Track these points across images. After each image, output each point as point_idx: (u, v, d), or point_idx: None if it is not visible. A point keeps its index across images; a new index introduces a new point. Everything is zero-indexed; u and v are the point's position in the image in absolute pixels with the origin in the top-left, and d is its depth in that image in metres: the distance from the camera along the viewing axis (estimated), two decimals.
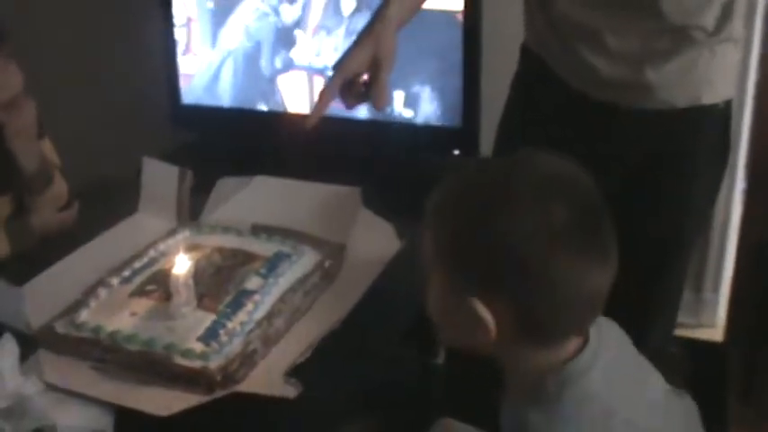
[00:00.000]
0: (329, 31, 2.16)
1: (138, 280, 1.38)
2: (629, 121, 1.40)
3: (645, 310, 1.58)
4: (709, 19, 1.33)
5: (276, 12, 2.24)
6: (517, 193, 0.94)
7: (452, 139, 2.13)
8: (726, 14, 1.34)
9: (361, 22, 2.09)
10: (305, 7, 2.18)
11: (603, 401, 0.96)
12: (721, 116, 1.45)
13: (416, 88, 2.10)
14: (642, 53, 1.35)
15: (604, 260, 0.95)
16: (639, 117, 1.39)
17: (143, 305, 1.32)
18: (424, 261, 0.99)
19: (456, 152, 2.13)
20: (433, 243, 0.98)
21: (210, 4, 2.33)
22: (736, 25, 1.37)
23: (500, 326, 0.94)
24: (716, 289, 2.56)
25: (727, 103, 1.45)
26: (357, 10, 2.11)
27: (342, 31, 2.14)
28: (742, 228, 2.40)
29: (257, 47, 2.28)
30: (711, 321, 2.57)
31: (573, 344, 0.98)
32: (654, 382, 1.07)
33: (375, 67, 1.31)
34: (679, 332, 2.46)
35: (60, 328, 1.29)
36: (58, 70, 2.62)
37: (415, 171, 1.88)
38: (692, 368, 2.36)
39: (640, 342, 1.60)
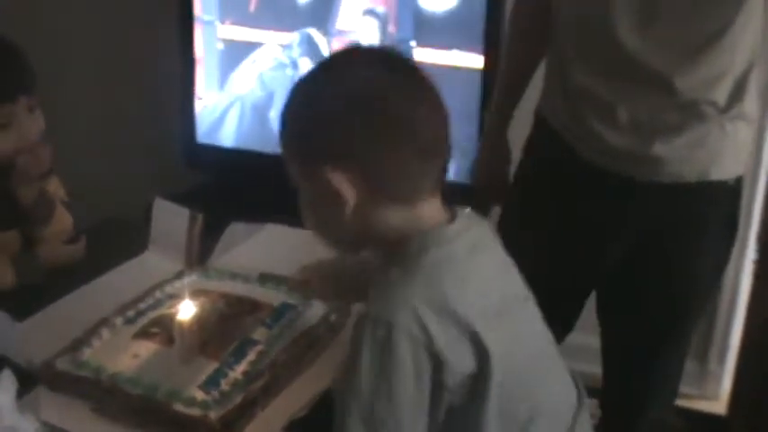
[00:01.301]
0: None
1: (142, 321, 1.37)
2: (636, 192, 1.40)
3: (648, 378, 1.57)
4: (721, 95, 1.34)
5: (294, 65, 2.25)
6: (339, 66, 1.07)
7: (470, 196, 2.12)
8: (738, 92, 1.35)
9: None
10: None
11: (460, 269, 1.03)
12: (731, 192, 1.44)
13: None
14: (652, 126, 1.36)
15: (433, 107, 1.05)
16: (647, 189, 1.39)
17: (146, 348, 1.31)
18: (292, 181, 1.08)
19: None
20: (285, 147, 1.07)
21: (220, 46, 2.34)
22: (748, 103, 1.38)
23: (355, 190, 1.01)
24: (721, 361, 2.54)
25: (738, 180, 1.45)
26: None
27: None
28: (751, 300, 2.38)
29: (269, 96, 2.29)
30: (715, 394, 2.54)
31: (433, 209, 1.06)
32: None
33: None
34: (682, 403, 2.45)
35: (61, 365, 1.28)
36: (74, 105, 2.64)
37: None
38: None
39: (642, 411, 1.60)
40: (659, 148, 1.36)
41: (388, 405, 0.98)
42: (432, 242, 1.03)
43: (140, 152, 2.68)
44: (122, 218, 1.90)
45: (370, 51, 1.16)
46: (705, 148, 1.38)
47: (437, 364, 0.99)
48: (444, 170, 1.07)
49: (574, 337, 2.06)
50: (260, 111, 2.34)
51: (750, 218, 2.37)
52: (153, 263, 1.59)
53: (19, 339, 1.30)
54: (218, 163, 2.45)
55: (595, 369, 1.66)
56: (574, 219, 1.49)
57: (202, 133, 2.43)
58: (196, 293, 1.41)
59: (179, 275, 1.52)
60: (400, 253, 1.04)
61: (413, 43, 2.07)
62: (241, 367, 1.26)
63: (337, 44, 2.17)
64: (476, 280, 1.05)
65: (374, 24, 2.11)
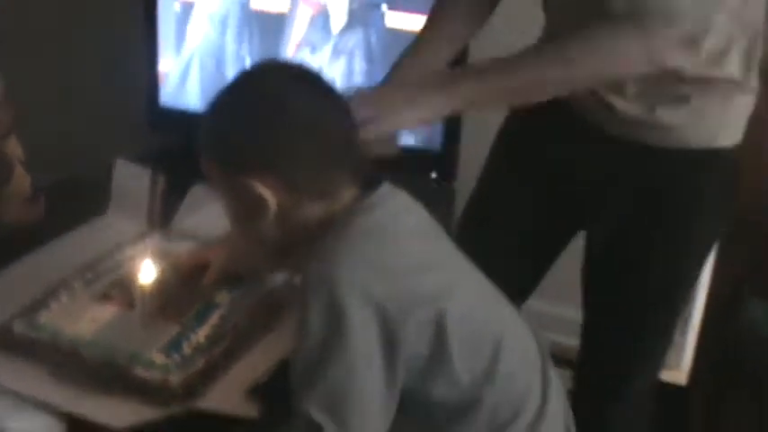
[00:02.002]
0: (314, 49, 2.10)
1: (101, 284, 1.35)
2: (640, 155, 1.39)
3: (630, 354, 1.55)
4: (729, 70, 1.33)
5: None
6: (251, 80, 1.12)
7: (431, 163, 2.11)
8: (745, 66, 1.34)
9: (352, 40, 2.07)
10: (288, 20, 2.15)
11: (390, 229, 1.08)
12: (731, 160, 1.44)
13: None
14: (659, 97, 1.34)
15: (338, 108, 1.10)
16: (651, 153, 1.38)
17: (106, 311, 1.28)
18: (215, 194, 1.13)
19: (434, 175, 2.11)
20: (204, 159, 1.11)
21: (177, 7, 2.29)
22: (753, 75, 1.37)
23: (276, 194, 1.05)
24: (683, 332, 2.56)
25: (737, 148, 1.44)
26: (347, 27, 2.06)
27: (329, 49, 2.08)
28: (713, 271, 2.40)
29: (223, 44, 2.24)
30: (677, 364, 2.56)
31: (353, 193, 1.10)
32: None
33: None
34: None
35: (18, 327, 1.25)
36: (36, 67, 2.58)
37: None
38: (655, 409, 2.36)
39: (623, 384, 1.58)
40: (666, 117, 1.35)
41: (340, 356, 0.98)
42: (356, 213, 1.07)
43: (104, 114, 2.63)
44: (83, 178, 1.86)
45: (280, 66, 1.21)
46: (712, 117, 1.37)
47: (383, 314, 1.00)
48: (359, 161, 1.11)
49: (550, 308, 2.08)
50: (218, 61, 2.29)
51: None
52: (114, 224, 1.56)
53: None
54: (183, 126, 2.40)
55: (571, 341, 1.64)
56: (571, 177, 1.47)
57: (166, 95, 2.38)
58: (157, 255, 1.38)
59: (140, 237, 1.49)
60: (325, 233, 1.06)
61: (384, 7, 2.03)
62: (203, 331, 1.24)
63: (304, 7, 2.11)
64: (405, 237, 1.09)
65: None
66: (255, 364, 1.21)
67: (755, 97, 1.41)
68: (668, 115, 1.35)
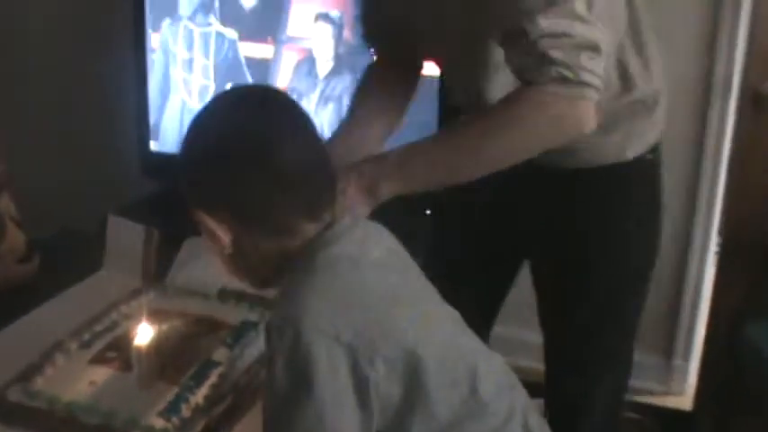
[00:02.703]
0: (301, 96, 2.07)
1: (98, 345, 1.33)
2: (555, 180, 1.39)
3: (587, 364, 1.56)
4: (611, 88, 1.32)
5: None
6: (210, 113, 1.07)
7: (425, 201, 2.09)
8: (622, 77, 1.35)
9: (340, 85, 2.05)
10: (272, 67, 2.12)
11: (355, 261, 1.03)
12: (646, 164, 1.45)
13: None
14: None
15: (300, 140, 1.06)
16: (565, 176, 1.38)
17: (102, 374, 1.27)
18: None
19: (428, 212, 2.09)
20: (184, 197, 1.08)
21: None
22: (641, 78, 1.38)
23: (230, 228, 1.04)
24: (686, 356, 2.54)
25: (655, 151, 1.45)
26: (335, 72, 2.04)
27: (316, 95, 2.06)
28: (714, 294, 2.38)
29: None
30: (681, 389, 2.54)
31: (312, 228, 1.06)
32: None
33: None
34: (647, 399, 2.45)
35: (13, 395, 1.23)
36: (26, 120, 2.57)
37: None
38: None
39: (587, 399, 1.59)
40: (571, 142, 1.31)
41: (307, 405, 0.95)
42: (319, 246, 1.04)
43: (95, 162, 2.63)
44: (78, 230, 1.84)
45: (246, 92, 1.18)
46: (617, 133, 1.37)
47: (353, 355, 0.96)
48: (322, 202, 1.07)
49: (514, 333, 2.07)
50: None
51: (712, 210, 2.38)
52: (108, 281, 1.54)
53: None
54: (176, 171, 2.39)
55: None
56: (494, 214, 1.50)
57: (158, 141, 2.37)
58: (154, 314, 1.37)
59: (135, 294, 1.47)
60: (291, 265, 1.04)
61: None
62: (202, 391, 1.22)
63: (288, 53, 2.10)
64: (371, 268, 1.05)
65: (328, 31, 2.03)
66: (257, 423, 1.19)
67: (659, 95, 1.42)
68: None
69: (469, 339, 1.13)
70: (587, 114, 1.18)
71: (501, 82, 1.32)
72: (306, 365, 0.95)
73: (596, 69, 1.16)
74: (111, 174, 2.56)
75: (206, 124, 1.06)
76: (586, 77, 1.15)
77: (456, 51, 1.35)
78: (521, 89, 1.19)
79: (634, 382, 2.41)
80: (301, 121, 1.08)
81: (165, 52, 2.34)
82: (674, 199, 2.38)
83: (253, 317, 1.40)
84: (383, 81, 1.44)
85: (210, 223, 1.04)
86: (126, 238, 1.55)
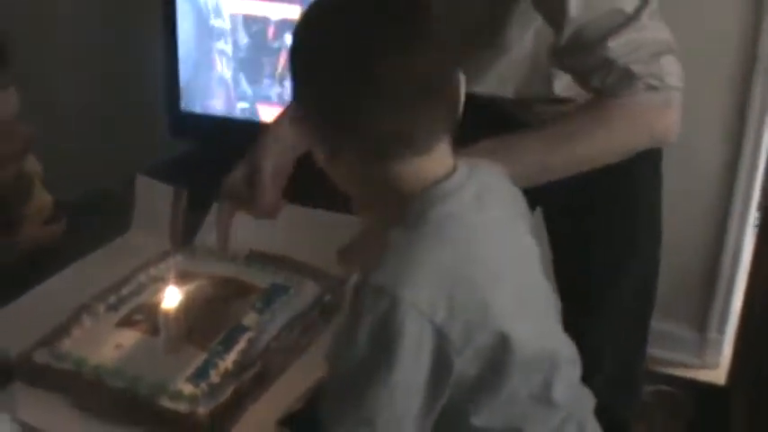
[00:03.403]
0: None
1: (125, 308, 1.31)
2: None
3: (593, 326, 1.53)
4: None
5: None
6: (327, 20, 0.98)
7: None
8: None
9: None
10: None
11: (468, 225, 0.96)
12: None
13: None
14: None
15: (414, 46, 0.95)
16: None
17: (130, 337, 1.24)
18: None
19: None
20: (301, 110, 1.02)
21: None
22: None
23: (350, 149, 0.96)
24: (721, 329, 2.50)
25: None
26: None
27: None
28: (752, 267, 2.33)
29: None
30: (715, 362, 2.50)
31: (440, 159, 0.97)
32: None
33: (255, 179, 1.32)
34: (681, 372, 2.42)
35: (39, 358, 1.21)
36: (54, 78, 2.55)
37: None
38: (694, 411, 2.29)
39: (593, 366, 1.57)
40: None
41: (384, 380, 0.90)
42: (435, 197, 0.95)
43: (125, 121, 2.60)
44: (106, 190, 1.82)
45: None
46: None
47: (440, 340, 0.90)
48: (445, 114, 0.98)
49: None
50: (240, 65, 2.25)
51: (752, 185, 2.33)
52: (136, 243, 1.51)
53: None
54: (205, 132, 2.36)
55: None
56: None
57: (189, 100, 2.35)
58: (181, 276, 1.34)
59: (163, 256, 1.45)
60: (403, 212, 0.96)
61: None
62: (231, 356, 1.19)
63: None
64: (485, 235, 0.97)
65: None
66: (288, 390, 1.16)
67: None
68: None
69: (555, 323, 1.08)
70: (675, 120, 1.21)
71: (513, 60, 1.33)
72: (393, 341, 0.89)
73: (676, 69, 1.18)
74: (140, 134, 2.53)
75: (335, 36, 0.96)
76: (671, 81, 1.17)
77: (470, 36, 1.32)
78: (608, 98, 1.19)
79: (667, 355, 2.40)
80: (423, 29, 0.97)
81: (195, 10, 2.31)
82: (713, 170, 2.34)
83: (282, 280, 1.37)
84: None
85: (320, 136, 0.98)
86: (154, 198, 1.52)
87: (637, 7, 1.17)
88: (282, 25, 2.19)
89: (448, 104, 0.98)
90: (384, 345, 0.89)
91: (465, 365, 0.93)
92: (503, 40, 1.34)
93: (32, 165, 1.62)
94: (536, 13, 1.26)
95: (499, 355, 0.94)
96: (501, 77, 1.38)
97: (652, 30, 1.18)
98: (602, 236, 1.51)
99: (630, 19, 1.16)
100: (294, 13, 2.13)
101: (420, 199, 0.95)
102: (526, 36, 1.32)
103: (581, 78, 1.23)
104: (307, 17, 1.00)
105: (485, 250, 0.96)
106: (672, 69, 1.18)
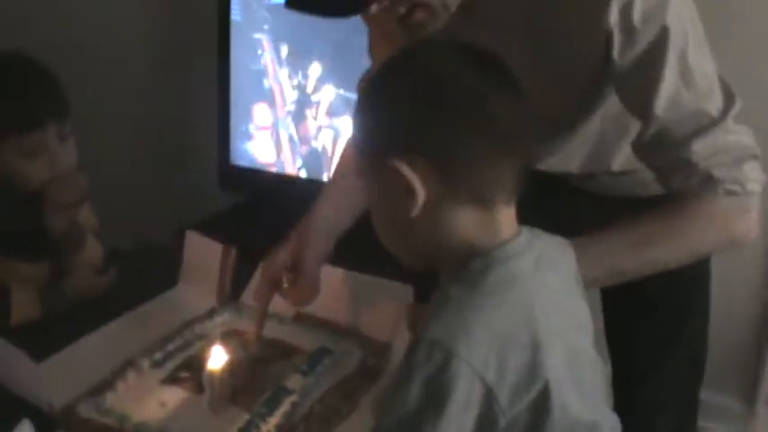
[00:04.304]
0: None
1: (170, 365, 1.31)
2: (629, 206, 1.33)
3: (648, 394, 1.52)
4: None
5: None
6: (410, 54, 0.99)
7: None
8: None
9: None
10: None
11: (526, 289, 0.95)
12: None
13: None
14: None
15: (513, 96, 0.96)
16: (640, 203, 1.32)
17: (174, 395, 1.24)
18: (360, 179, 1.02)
19: None
20: (353, 142, 1.02)
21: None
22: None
23: (425, 183, 0.93)
24: None
25: None
26: None
27: None
28: None
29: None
30: None
31: (506, 222, 0.98)
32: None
33: (296, 267, 1.35)
34: None
35: (84, 411, 1.21)
36: (107, 132, 2.60)
37: None
38: None
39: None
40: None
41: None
42: (497, 259, 0.95)
43: (174, 174, 2.64)
44: (155, 243, 1.84)
45: (444, 42, 1.04)
46: None
47: (490, 398, 0.90)
48: (524, 174, 0.98)
49: None
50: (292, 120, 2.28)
51: None
52: (183, 298, 1.52)
53: (40, 380, 1.23)
54: (254, 186, 2.39)
55: None
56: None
57: (238, 154, 2.37)
58: (228, 335, 1.34)
59: (210, 314, 1.45)
60: (463, 268, 0.95)
61: None
62: (274, 419, 1.18)
63: None
64: (541, 299, 0.96)
65: None
66: None
67: None
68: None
69: (601, 394, 1.06)
70: (754, 224, 1.20)
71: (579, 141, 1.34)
72: (444, 394, 0.89)
73: (758, 174, 1.17)
74: (189, 187, 2.56)
75: (419, 62, 0.97)
76: (753, 187, 1.17)
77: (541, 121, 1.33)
78: (688, 201, 1.19)
79: (715, 427, 2.34)
80: (517, 84, 0.97)
81: (249, 66, 2.34)
82: (762, 240, 2.29)
83: (327, 344, 1.36)
84: None
85: (407, 172, 0.93)
86: (203, 254, 1.53)
87: (722, 110, 1.16)
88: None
89: (525, 162, 0.99)
90: (435, 397, 0.89)
91: (509, 428, 0.92)
92: (573, 123, 1.34)
93: (87, 215, 1.64)
94: (609, 98, 1.26)
95: (541, 418, 0.93)
96: (565, 156, 1.39)
97: (736, 133, 1.17)
98: (654, 305, 1.49)
99: (715, 122, 1.15)
100: None
101: (483, 258, 0.95)
102: (595, 117, 1.32)
103: (662, 175, 1.22)
104: (396, 61, 0.99)
105: (539, 315, 0.95)
106: (754, 175, 1.17)
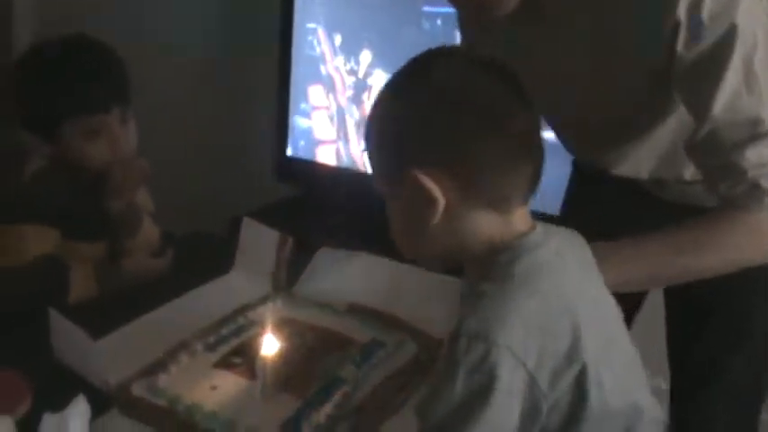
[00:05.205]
0: None
1: (223, 349, 1.31)
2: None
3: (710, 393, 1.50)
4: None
5: None
6: (424, 62, 1.00)
7: None
8: None
9: None
10: None
11: (553, 276, 0.98)
12: None
13: None
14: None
15: (523, 103, 0.98)
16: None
17: (226, 379, 1.24)
18: (379, 191, 1.03)
19: None
20: (370, 153, 1.03)
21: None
22: None
23: (444, 192, 0.95)
24: None
25: None
26: None
27: None
28: None
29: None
30: None
31: (521, 219, 1.01)
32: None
33: None
34: None
35: (137, 390, 1.22)
36: (166, 119, 2.61)
37: None
38: None
39: None
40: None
41: (478, 423, 0.90)
42: (523, 249, 0.98)
43: (232, 163, 2.65)
44: (209, 232, 1.85)
45: (457, 49, 1.12)
46: None
47: (531, 384, 0.92)
48: (536, 178, 1.00)
49: None
50: (348, 111, 2.28)
51: None
52: (238, 284, 1.52)
53: (97, 357, 1.24)
54: (310, 178, 2.39)
55: None
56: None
57: (297, 146, 2.38)
58: (281, 322, 1.34)
59: (264, 300, 1.45)
60: (490, 264, 0.98)
61: None
62: (325, 409, 1.17)
63: None
64: (570, 286, 0.99)
65: None
66: None
67: None
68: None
69: (638, 377, 1.07)
70: None
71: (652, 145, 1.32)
72: (488, 384, 0.90)
73: None
74: (244, 177, 2.57)
75: (434, 71, 0.99)
76: None
77: (613, 123, 1.33)
78: (732, 210, 1.18)
79: None
80: (525, 92, 1.00)
81: (309, 58, 2.35)
82: None
83: (380, 336, 1.35)
84: None
85: (426, 182, 0.95)
86: (259, 241, 1.53)
87: None
88: None
89: (539, 167, 1.00)
90: (479, 388, 0.90)
91: (549, 413, 0.94)
92: (643, 127, 1.32)
93: (144, 198, 1.66)
94: (679, 103, 1.24)
95: (580, 402, 0.94)
96: (636, 162, 1.37)
97: None
98: (712, 311, 1.47)
99: None
100: None
101: (510, 250, 0.98)
102: (667, 122, 1.30)
103: (709, 179, 1.21)
104: (409, 74, 1.01)
105: (569, 301, 0.97)
106: None
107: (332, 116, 2.35)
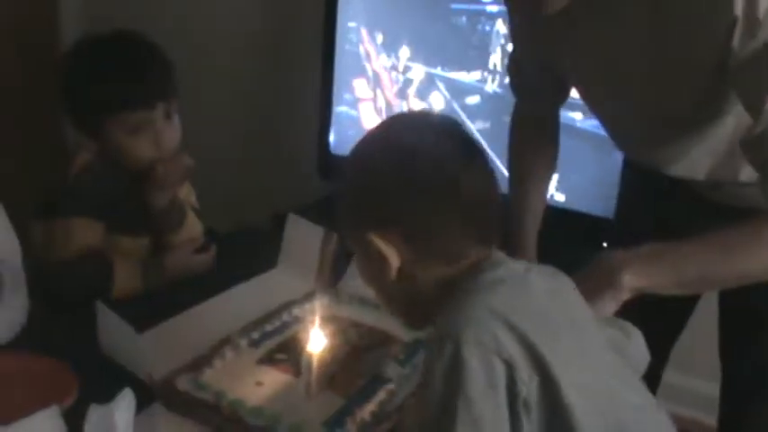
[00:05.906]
0: None
1: (267, 345, 1.31)
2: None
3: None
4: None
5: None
6: (388, 132, 1.06)
7: (601, 230, 1.99)
8: None
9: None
10: None
11: (518, 287, 0.99)
12: None
13: (573, 174, 2.00)
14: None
15: (480, 171, 1.02)
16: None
17: (270, 376, 1.24)
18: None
19: (605, 245, 1.99)
20: (337, 211, 1.05)
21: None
22: None
23: (399, 253, 0.99)
24: None
25: None
26: None
27: None
28: None
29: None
30: None
31: (479, 254, 1.01)
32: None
33: None
34: None
35: (181, 384, 1.22)
36: (211, 116, 2.63)
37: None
38: None
39: None
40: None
41: (465, 420, 0.89)
42: (483, 269, 1.00)
43: (275, 161, 2.65)
44: (254, 228, 1.85)
45: (422, 116, 1.17)
46: None
47: (510, 371, 0.90)
48: (492, 230, 1.04)
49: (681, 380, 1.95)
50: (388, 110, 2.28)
51: None
52: (282, 280, 1.52)
53: (142, 351, 1.25)
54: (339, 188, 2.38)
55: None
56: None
57: (339, 142, 2.38)
58: (325, 319, 1.33)
59: (308, 297, 1.45)
60: (451, 294, 0.99)
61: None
62: (369, 407, 1.17)
63: None
64: (535, 293, 1.00)
65: None
66: None
67: None
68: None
69: (630, 394, 1.02)
70: None
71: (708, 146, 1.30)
72: (462, 381, 0.90)
73: None
74: (290, 173, 2.57)
75: (389, 140, 1.03)
76: None
77: (670, 123, 1.31)
78: None
79: None
80: (477, 148, 1.04)
81: (353, 55, 2.34)
82: None
83: (424, 335, 1.34)
84: (535, 135, 1.53)
85: (381, 245, 0.99)
86: (304, 238, 1.53)
87: None
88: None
89: (495, 223, 1.04)
90: (458, 386, 0.90)
91: (531, 406, 0.92)
92: (700, 126, 1.30)
93: (187, 193, 1.66)
94: (737, 101, 1.22)
95: (553, 399, 0.92)
96: (692, 162, 1.35)
97: None
98: (763, 319, 1.43)
99: None
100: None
101: (470, 272, 1.00)
102: (725, 122, 1.27)
103: (764, 177, 1.18)
104: (378, 135, 1.06)
105: (536, 307, 0.97)
106: None
107: (380, 109, 2.35)
